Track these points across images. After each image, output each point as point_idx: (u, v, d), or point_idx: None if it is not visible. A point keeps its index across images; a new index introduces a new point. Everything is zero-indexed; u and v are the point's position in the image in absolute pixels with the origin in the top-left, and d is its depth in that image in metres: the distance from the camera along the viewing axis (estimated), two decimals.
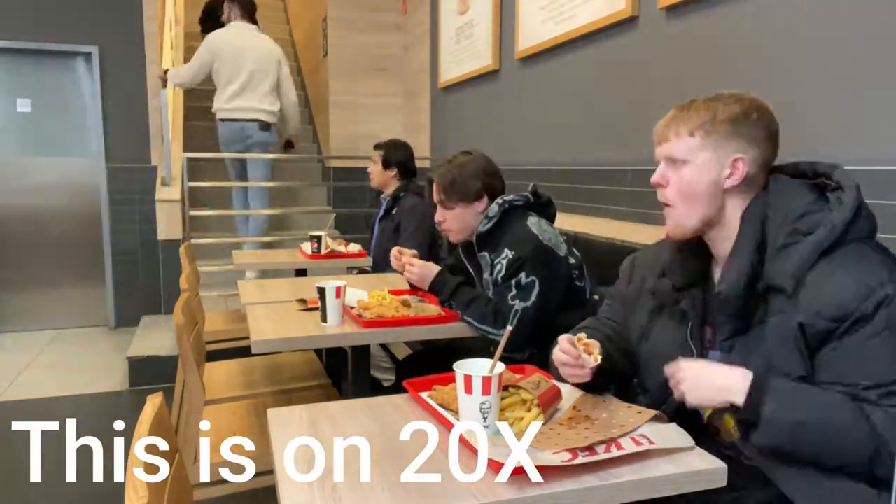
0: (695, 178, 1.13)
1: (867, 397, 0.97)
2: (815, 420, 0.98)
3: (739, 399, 1.01)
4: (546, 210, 1.96)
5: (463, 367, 1.06)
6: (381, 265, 3.03)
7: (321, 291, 1.75)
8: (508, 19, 3.42)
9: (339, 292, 1.76)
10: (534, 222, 1.84)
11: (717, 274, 1.18)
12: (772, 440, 1.01)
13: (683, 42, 2.19)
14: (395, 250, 2.10)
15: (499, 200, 1.87)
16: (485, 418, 1.03)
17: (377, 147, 3.27)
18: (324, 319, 1.77)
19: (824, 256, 1.02)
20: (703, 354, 1.16)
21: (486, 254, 1.91)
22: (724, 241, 1.15)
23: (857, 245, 1.03)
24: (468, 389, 1.03)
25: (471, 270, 2.02)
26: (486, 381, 1.02)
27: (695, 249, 1.21)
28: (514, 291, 1.77)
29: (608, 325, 1.37)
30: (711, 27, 2.07)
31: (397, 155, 3.21)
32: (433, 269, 1.94)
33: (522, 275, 1.77)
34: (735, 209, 1.13)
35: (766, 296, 1.07)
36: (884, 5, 1.53)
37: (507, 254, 1.79)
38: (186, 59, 5.78)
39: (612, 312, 1.39)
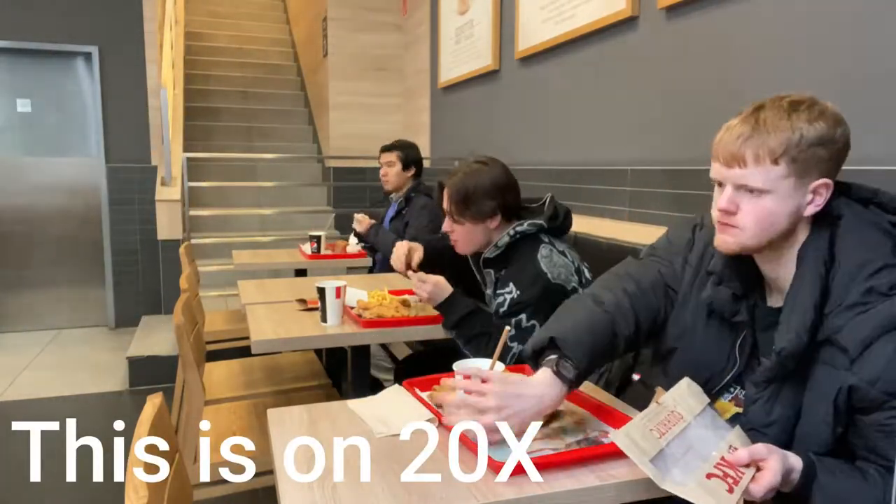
0: (776, 210, 0.99)
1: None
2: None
3: (786, 487, 0.94)
4: (562, 226, 1.83)
5: (463, 366, 1.06)
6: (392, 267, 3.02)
7: (321, 291, 1.75)
8: (508, 19, 3.42)
9: (338, 292, 1.75)
10: (545, 255, 1.71)
11: (767, 291, 1.10)
12: None
13: (683, 42, 2.19)
14: (401, 246, 2.05)
15: (510, 231, 1.75)
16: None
17: (389, 149, 3.22)
18: (324, 319, 1.77)
19: None
20: (748, 366, 1.10)
21: (491, 271, 1.84)
22: (773, 265, 1.06)
23: None
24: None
25: (478, 277, 1.99)
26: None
27: (744, 256, 1.10)
28: (513, 332, 1.67)
29: (621, 303, 1.20)
30: (711, 27, 2.07)
31: (414, 154, 3.22)
32: (446, 290, 1.76)
33: (523, 317, 1.67)
34: (800, 236, 1.02)
35: (819, 345, 0.98)
36: (884, 5, 1.53)
37: (513, 291, 1.70)
38: (187, 59, 5.80)
39: (655, 270, 1.25)
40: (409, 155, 3.20)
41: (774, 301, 1.08)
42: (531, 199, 1.88)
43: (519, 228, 1.75)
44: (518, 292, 1.69)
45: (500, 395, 1.01)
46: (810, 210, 1.00)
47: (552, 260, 1.70)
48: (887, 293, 0.93)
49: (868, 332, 0.93)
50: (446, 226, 1.83)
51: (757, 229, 1.00)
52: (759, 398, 1.04)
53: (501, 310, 1.72)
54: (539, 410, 1.03)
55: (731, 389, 1.13)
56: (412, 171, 3.21)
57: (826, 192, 0.99)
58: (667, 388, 1.07)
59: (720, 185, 1.04)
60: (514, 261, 1.75)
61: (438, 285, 1.73)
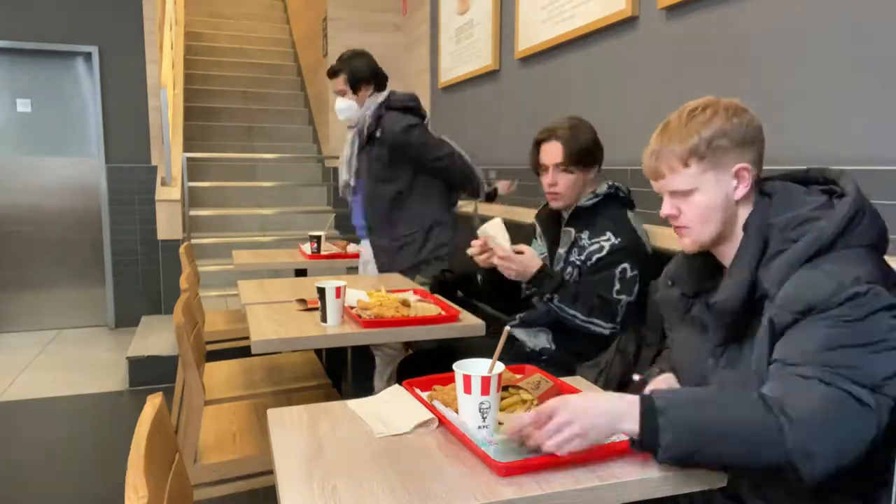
0: (708, 201, 1.12)
1: (792, 371, 0.95)
2: (713, 424, 0.92)
3: (633, 425, 0.93)
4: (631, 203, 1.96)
5: (463, 367, 1.06)
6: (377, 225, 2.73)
7: (321, 292, 1.75)
8: (508, 19, 3.42)
9: (338, 292, 1.76)
10: (633, 216, 1.86)
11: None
12: (675, 455, 0.92)
13: (683, 42, 2.19)
14: (479, 243, 1.85)
15: (609, 181, 1.89)
16: (483, 418, 1.03)
17: (334, 73, 2.74)
18: (324, 319, 1.77)
19: (809, 262, 1.02)
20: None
21: (571, 230, 1.89)
22: (725, 250, 1.16)
23: (849, 251, 1.01)
24: (467, 389, 1.03)
25: (542, 240, 2.02)
26: (486, 380, 1.02)
27: (705, 256, 1.20)
28: (618, 285, 1.76)
29: None
30: (711, 27, 2.07)
31: (362, 65, 2.69)
32: (535, 262, 1.78)
33: (627, 266, 1.76)
34: (742, 217, 1.13)
35: (762, 303, 1.06)
36: (885, 4, 1.53)
37: (611, 238, 1.78)
38: (187, 59, 5.80)
39: None
40: (355, 70, 2.69)
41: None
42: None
43: (618, 184, 1.90)
44: (619, 240, 1.78)
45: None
46: (740, 192, 1.12)
47: (638, 223, 1.86)
48: (797, 238, 1.04)
49: (779, 272, 1.03)
50: (550, 178, 1.88)
51: (701, 223, 1.14)
52: (716, 367, 1.12)
53: (597, 256, 1.79)
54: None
55: None
56: (370, 87, 2.69)
57: (747, 174, 1.11)
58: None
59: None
60: (603, 215, 1.84)
61: (525, 262, 1.77)
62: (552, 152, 1.88)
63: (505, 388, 1.15)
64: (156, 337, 3.94)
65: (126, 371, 3.58)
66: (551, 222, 2.00)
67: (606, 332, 1.75)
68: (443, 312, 1.88)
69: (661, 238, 2.00)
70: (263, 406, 1.94)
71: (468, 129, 4.11)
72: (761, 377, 1.01)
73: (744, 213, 1.13)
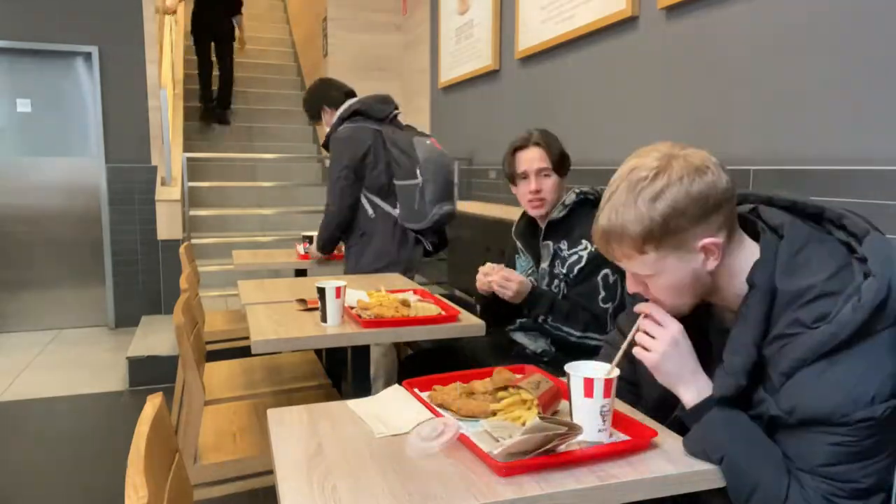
0: (675, 282, 1.00)
1: (798, 477, 0.94)
2: (741, 454, 0.95)
3: (688, 400, 1.01)
4: None
5: (573, 369, 1.02)
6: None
7: (321, 292, 1.75)
8: (508, 19, 3.42)
9: (338, 292, 1.75)
10: None
11: (715, 311, 1.10)
12: (690, 450, 0.99)
13: (683, 42, 2.19)
14: (484, 269, 1.90)
15: (576, 189, 1.87)
16: (604, 421, 1.00)
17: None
18: (323, 319, 1.76)
19: (823, 357, 0.90)
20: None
21: (549, 242, 1.89)
22: (717, 298, 1.06)
23: (870, 345, 0.90)
24: (588, 393, 0.99)
25: (525, 255, 2.01)
26: (608, 383, 0.99)
27: None
28: (602, 293, 1.76)
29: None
30: (711, 27, 2.07)
31: (317, 96, 2.91)
32: (528, 284, 1.83)
33: (608, 272, 1.76)
34: (730, 271, 1.01)
35: (759, 373, 0.98)
36: (885, 4, 1.53)
37: (588, 246, 1.79)
38: (186, 59, 5.80)
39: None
40: (306, 107, 2.98)
41: (726, 320, 1.08)
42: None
43: (584, 189, 1.87)
44: (595, 246, 1.73)
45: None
46: (711, 265, 0.98)
47: None
48: (811, 325, 0.91)
49: (787, 364, 0.93)
50: (535, 184, 1.88)
51: (672, 300, 1.03)
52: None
53: (578, 267, 1.78)
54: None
55: None
56: (328, 109, 2.87)
57: (716, 247, 0.97)
58: (646, 398, 1.14)
59: None
60: (578, 224, 1.83)
61: (522, 284, 1.80)
62: (533, 158, 1.87)
63: (504, 388, 1.14)
64: (156, 337, 3.94)
65: (126, 371, 3.58)
66: (529, 237, 2.00)
67: (602, 344, 1.74)
68: (443, 312, 1.88)
69: None
70: (263, 406, 1.94)
71: (468, 129, 4.11)
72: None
73: (726, 270, 1.00)
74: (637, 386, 1.24)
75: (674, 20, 2.23)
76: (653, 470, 0.95)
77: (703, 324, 1.10)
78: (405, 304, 1.88)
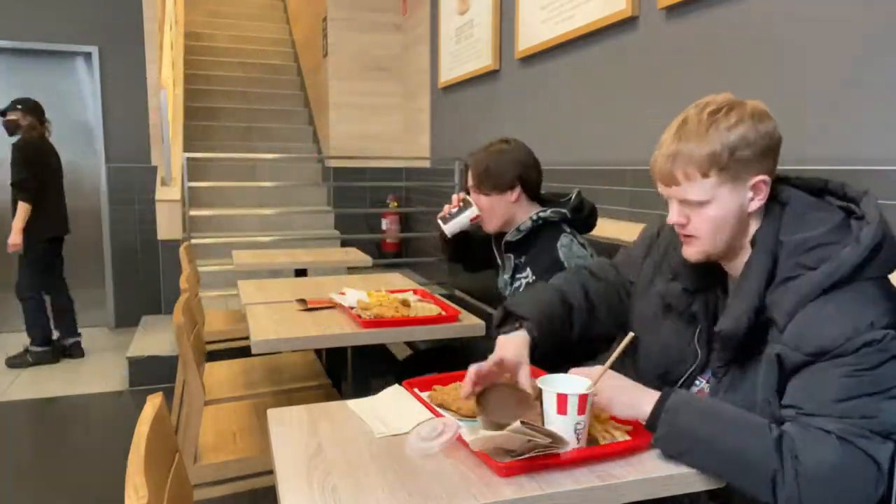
0: (721, 214, 1.05)
1: (808, 422, 0.93)
2: (710, 432, 0.95)
3: (645, 411, 1.01)
4: (587, 222, 1.88)
5: (546, 383, 0.99)
6: None
7: (465, 201, 1.81)
8: (508, 19, 3.42)
9: (475, 218, 1.82)
10: (564, 244, 1.74)
11: (730, 283, 1.13)
12: (664, 443, 0.99)
13: (683, 42, 2.19)
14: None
15: (533, 216, 1.79)
16: (578, 440, 0.97)
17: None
18: (445, 223, 1.82)
19: (824, 294, 0.96)
20: (709, 357, 1.13)
21: (511, 255, 1.87)
22: (730, 259, 1.11)
23: (866, 284, 0.96)
24: (561, 409, 0.96)
25: (498, 261, 1.99)
26: (582, 399, 0.96)
27: None
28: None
29: (594, 284, 1.36)
30: (711, 27, 2.07)
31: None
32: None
33: None
34: (752, 228, 1.07)
35: (767, 326, 1.02)
36: (885, 4, 1.53)
37: (529, 276, 1.75)
38: (187, 59, 5.80)
39: (613, 271, 1.38)
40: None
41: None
42: (560, 194, 1.90)
43: (542, 214, 1.80)
44: (534, 278, 1.73)
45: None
46: (754, 205, 1.05)
47: (571, 249, 1.73)
48: (812, 266, 0.98)
49: (791, 303, 0.98)
50: (472, 201, 1.87)
51: (711, 235, 1.07)
52: (718, 388, 1.08)
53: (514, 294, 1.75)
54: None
55: (697, 382, 1.16)
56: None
57: (765, 187, 1.04)
58: (636, 377, 1.12)
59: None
60: (534, 247, 1.78)
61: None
62: (470, 175, 1.88)
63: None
64: (156, 337, 3.94)
65: (126, 371, 3.58)
66: (500, 244, 1.95)
67: None
68: (443, 312, 1.88)
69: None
70: (263, 406, 1.94)
71: (468, 129, 4.11)
72: (767, 406, 1.00)
73: (755, 223, 1.07)
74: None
75: (674, 20, 2.23)
76: (653, 470, 0.95)
77: (717, 312, 1.13)
78: (405, 304, 1.88)
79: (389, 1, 5.26)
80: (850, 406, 0.92)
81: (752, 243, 1.06)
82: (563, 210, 1.81)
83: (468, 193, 1.91)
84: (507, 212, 1.83)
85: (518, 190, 1.81)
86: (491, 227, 1.87)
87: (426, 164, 4.83)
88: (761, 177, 1.03)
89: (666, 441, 0.98)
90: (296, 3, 6.91)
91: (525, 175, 1.82)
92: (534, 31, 3.11)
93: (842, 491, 0.90)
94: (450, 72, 4.26)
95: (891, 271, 0.99)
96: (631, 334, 1.07)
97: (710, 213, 1.05)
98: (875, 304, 0.95)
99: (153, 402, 0.95)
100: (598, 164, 2.69)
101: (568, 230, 1.79)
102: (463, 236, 1.94)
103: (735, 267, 1.10)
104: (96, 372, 3.81)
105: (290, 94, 6.32)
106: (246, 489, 1.70)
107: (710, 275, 1.15)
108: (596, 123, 2.73)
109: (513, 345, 1.19)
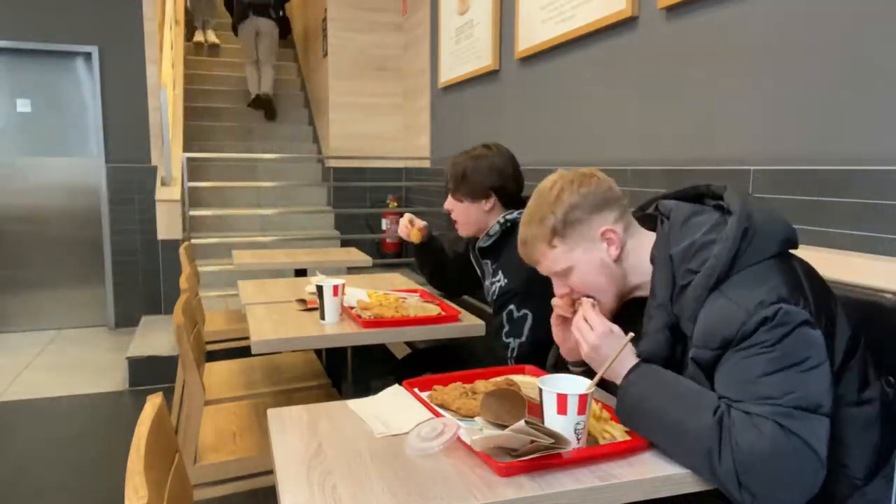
0: (588, 273, 1.15)
1: (741, 409, 0.95)
2: (657, 401, 1.00)
3: (619, 379, 1.07)
4: None
5: (546, 384, 1.00)
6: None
7: (319, 289, 1.75)
8: (508, 19, 3.42)
9: (336, 290, 1.75)
10: None
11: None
12: (619, 409, 1.05)
13: (683, 42, 2.19)
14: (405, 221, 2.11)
15: (500, 219, 1.80)
16: (577, 440, 0.98)
17: None
18: (322, 317, 1.77)
19: (715, 290, 1.01)
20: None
21: (488, 261, 1.88)
22: (642, 285, 1.17)
23: (751, 270, 1.01)
24: (562, 410, 0.96)
25: (476, 269, 2.01)
26: (583, 399, 0.97)
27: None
28: (507, 327, 1.71)
29: None
30: (711, 27, 2.07)
31: None
32: (428, 228, 2.03)
33: (513, 307, 1.70)
34: (634, 262, 1.15)
35: (685, 337, 1.07)
36: (885, 4, 1.53)
37: (501, 279, 1.75)
38: (186, 59, 5.79)
39: None
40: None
41: None
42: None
43: (509, 217, 1.79)
44: (505, 280, 1.73)
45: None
46: (613, 253, 1.14)
47: None
48: (697, 269, 1.04)
49: (691, 307, 1.04)
50: (448, 203, 1.89)
51: (598, 293, 1.16)
52: None
53: (493, 299, 1.77)
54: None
55: None
56: None
57: (614, 235, 1.14)
58: None
59: None
60: (506, 250, 1.77)
61: (425, 226, 2.03)
62: (448, 179, 1.89)
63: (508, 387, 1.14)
64: (156, 337, 3.94)
65: (126, 371, 3.58)
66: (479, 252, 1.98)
67: (514, 346, 1.72)
68: (443, 312, 1.88)
69: None
70: (263, 406, 1.94)
71: (468, 129, 4.11)
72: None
73: (632, 262, 1.15)
74: None
75: (674, 20, 2.23)
76: (653, 470, 0.95)
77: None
78: (405, 304, 1.88)
79: (389, 1, 5.26)
80: (770, 385, 0.94)
81: (652, 261, 1.12)
82: None
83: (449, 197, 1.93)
84: (481, 219, 1.84)
85: (493, 200, 1.81)
86: (465, 232, 1.90)
87: (426, 164, 4.83)
88: (604, 227, 1.14)
89: (620, 413, 1.06)
90: (296, 3, 6.91)
91: (502, 184, 1.81)
92: (534, 31, 3.11)
93: (778, 474, 0.91)
94: (450, 72, 4.26)
95: (779, 249, 1.03)
96: (631, 334, 1.07)
97: (578, 277, 1.16)
98: (760, 284, 0.98)
99: (153, 402, 0.95)
100: (598, 164, 2.69)
101: None
102: (439, 265, 2.04)
103: (640, 288, 1.17)
104: (96, 372, 3.81)
105: (290, 95, 6.32)
106: (246, 489, 1.70)
107: (634, 310, 1.19)
108: (596, 123, 2.73)
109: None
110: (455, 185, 1.83)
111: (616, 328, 1.10)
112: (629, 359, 1.08)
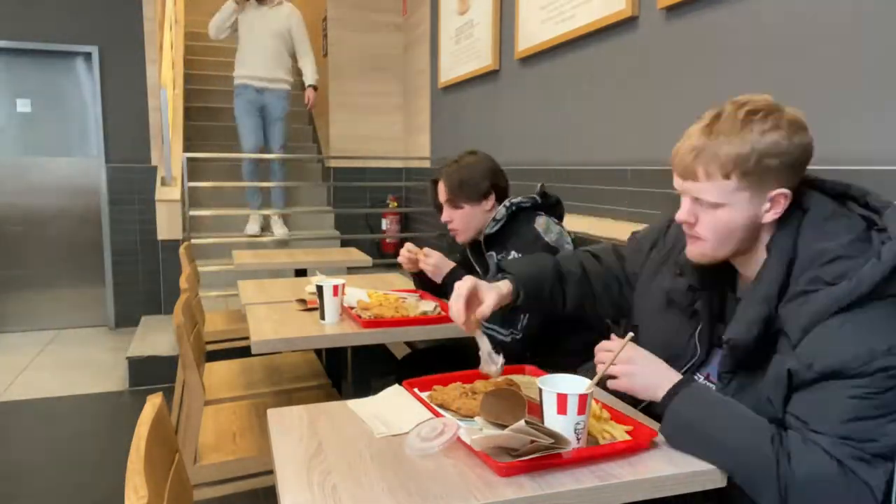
0: (732, 220, 1.01)
1: (813, 439, 0.92)
2: (712, 428, 0.96)
3: (660, 396, 1.03)
4: (554, 210, 1.96)
5: (546, 383, 0.99)
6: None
7: (319, 289, 1.75)
8: (508, 19, 3.42)
9: (336, 290, 1.76)
10: (540, 223, 1.84)
11: (740, 283, 1.12)
12: (670, 432, 1.01)
13: (683, 42, 2.19)
14: (405, 248, 2.08)
15: (506, 203, 1.88)
16: (578, 440, 0.97)
17: None
18: (322, 317, 1.77)
19: (842, 312, 0.93)
20: (709, 354, 1.13)
21: (493, 253, 1.91)
22: (743, 260, 1.08)
23: (885, 304, 0.93)
24: (562, 409, 0.96)
25: (478, 269, 2.02)
26: (583, 399, 0.96)
27: None
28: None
29: (595, 266, 1.38)
30: (711, 27, 2.07)
31: None
32: (448, 264, 1.96)
33: None
34: (768, 233, 1.04)
35: (777, 336, 1.00)
36: (885, 4, 1.53)
37: (514, 256, 1.79)
38: (187, 59, 5.79)
39: (615, 259, 1.39)
40: None
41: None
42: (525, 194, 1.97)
43: (514, 200, 1.88)
44: (519, 255, 1.79)
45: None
46: (769, 217, 1.01)
47: (548, 227, 1.85)
48: (830, 282, 0.94)
49: (807, 319, 0.95)
50: (445, 215, 1.95)
51: (716, 240, 1.04)
52: (725, 394, 1.06)
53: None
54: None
55: (696, 378, 1.15)
56: None
57: (784, 200, 1.00)
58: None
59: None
60: (512, 234, 1.86)
61: (442, 260, 1.95)
62: (441, 190, 1.95)
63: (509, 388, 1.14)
64: (156, 337, 3.94)
65: (126, 371, 3.58)
66: (479, 251, 2.01)
67: (507, 339, 1.74)
68: (443, 312, 1.88)
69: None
70: (263, 406, 1.94)
71: (468, 129, 4.11)
72: (770, 407, 0.99)
73: (767, 233, 1.03)
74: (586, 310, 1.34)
75: (674, 20, 2.23)
76: (653, 470, 0.95)
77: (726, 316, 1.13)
78: (405, 304, 1.88)
79: (389, 1, 5.26)
80: (855, 427, 0.91)
81: (768, 248, 1.02)
82: (533, 195, 1.91)
83: (438, 210, 1.98)
84: (482, 220, 1.93)
85: (492, 198, 1.92)
86: (466, 238, 1.97)
87: (426, 164, 4.83)
88: (782, 190, 0.99)
89: (668, 437, 1.01)
90: (296, 3, 6.91)
91: (497, 182, 1.93)
92: (534, 31, 3.11)
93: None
94: (450, 72, 4.26)
95: None
96: (630, 334, 1.07)
97: (721, 217, 1.01)
98: (890, 327, 0.92)
99: (153, 402, 0.95)
100: (599, 164, 2.69)
101: (542, 213, 1.89)
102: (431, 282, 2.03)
103: (747, 267, 1.08)
104: (96, 372, 3.81)
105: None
106: (246, 489, 1.70)
107: (717, 273, 1.12)
108: (596, 123, 2.73)
109: (488, 284, 1.28)
110: (453, 194, 1.91)
111: (631, 350, 1.07)
112: (662, 371, 1.05)
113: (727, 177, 0.99)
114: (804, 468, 0.90)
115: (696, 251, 1.08)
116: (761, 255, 1.04)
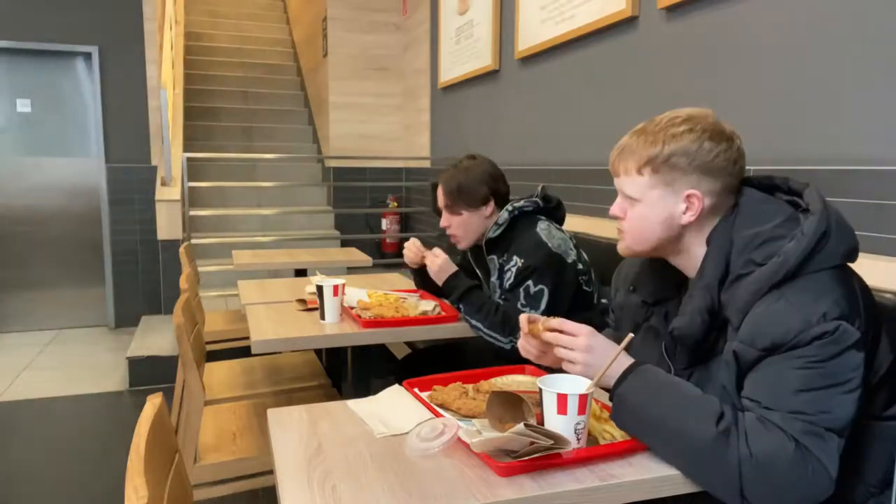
0: (647, 216, 1.09)
1: (766, 416, 0.93)
2: (655, 410, 0.97)
3: (612, 383, 1.04)
4: (555, 213, 1.95)
5: (545, 383, 0.99)
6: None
7: (319, 289, 1.75)
8: (508, 19, 3.42)
9: (336, 290, 1.76)
10: (543, 228, 1.83)
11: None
12: (616, 417, 1.02)
13: (683, 42, 2.19)
14: (411, 242, 2.06)
15: (508, 207, 1.86)
16: (578, 440, 0.97)
17: None
18: (322, 317, 1.77)
19: (775, 288, 0.96)
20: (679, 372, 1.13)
21: (494, 257, 1.91)
22: (683, 263, 1.13)
23: (816, 276, 0.96)
24: (562, 410, 0.96)
25: (478, 273, 2.02)
26: (583, 399, 0.96)
27: (666, 262, 1.17)
28: (522, 300, 1.76)
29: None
30: (711, 27, 2.07)
31: None
32: (452, 267, 1.92)
33: (530, 283, 1.75)
34: (698, 237, 1.09)
35: (725, 325, 1.03)
36: (885, 4, 1.53)
37: (517, 261, 1.79)
38: (187, 59, 5.80)
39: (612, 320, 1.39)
40: None
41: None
42: (525, 196, 1.96)
43: (517, 205, 1.87)
44: (522, 260, 1.78)
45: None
46: (686, 218, 1.07)
47: (551, 232, 1.83)
48: (762, 262, 0.99)
49: (744, 300, 0.99)
50: (444, 221, 1.94)
51: (635, 234, 1.12)
52: None
53: (509, 282, 1.80)
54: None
55: None
56: None
57: (698, 202, 1.06)
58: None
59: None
60: (515, 239, 1.84)
61: (446, 263, 1.89)
62: (440, 196, 1.93)
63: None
64: (156, 337, 3.94)
65: (126, 371, 3.58)
66: (479, 255, 2.00)
67: (507, 346, 1.75)
68: (443, 312, 1.88)
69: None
70: (263, 406, 1.94)
71: (468, 129, 4.11)
72: (726, 395, 1.00)
73: (695, 235, 1.08)
74: None
75: (674, 20, 2.23)
76: (653, 470, 0.95)
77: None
78: (405, 304, 1.88)
79: (389, 1, 5.26)
80: (807, 399, 0.92)
81: (708, 242, 1.08)
82: (535, 199, 1.90)
83: (438, 214, 1.96)
84: (482, 226, 1.91)
85: (492, 204, 1.90)
86: (465, 244, 1.95)
87: (426, 164, 4.83)
88: (693, 191, 1.06)
89: (616, 418, 1.02)
90: (296, 3, 6.91)
91: (496, 188, 1.91)
92: (534, 31, 3.11)
93: (787, 490, 0.90)
94: (450, 72, 4.26)
95: (843, 261, 0.99)
96: (630, 335, 1.07)
97: (638, 212, 1.10)
98: (826, 295, 0.94)
99: (153, 402, 0.95)
100: (598, 165, 2.69)
101: (543, 218, 1.88)
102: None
103: (689, 268, 1.12)
104: (96, 372, 3.81)
105: (290, 94, 6.32)
106: (246, 489, 1.70)
107: (667, 285, 1.17)
108: (596, 123, 2.73)
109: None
110: (452, 200, 1.89)
111: (591, 336, 1.07)
112: (621, 359, 1.05)
113: (640, 172, 1.09)
114: (759, 447, 0.91)
115: (621, 245, 1.16)
116: (697, 254, 1.09)
